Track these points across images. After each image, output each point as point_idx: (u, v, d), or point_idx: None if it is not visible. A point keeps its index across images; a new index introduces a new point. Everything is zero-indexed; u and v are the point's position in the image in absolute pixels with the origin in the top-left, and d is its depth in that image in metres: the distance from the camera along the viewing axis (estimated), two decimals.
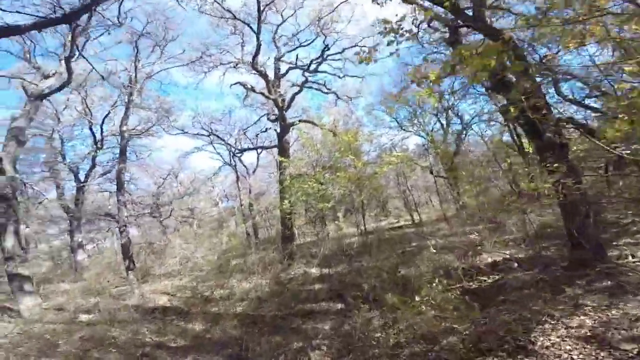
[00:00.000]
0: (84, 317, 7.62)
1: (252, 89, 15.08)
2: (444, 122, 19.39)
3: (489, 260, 8.40)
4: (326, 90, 17.27)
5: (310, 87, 17.06)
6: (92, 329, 6.50)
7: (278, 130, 14.96)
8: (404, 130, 19.18)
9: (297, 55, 15.54)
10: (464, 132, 19.12)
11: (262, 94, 14.77)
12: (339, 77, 17.14)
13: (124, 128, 11.87)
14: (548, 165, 4.91)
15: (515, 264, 7.12)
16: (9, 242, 8.45)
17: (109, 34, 10.28)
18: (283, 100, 14.69)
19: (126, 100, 12.12)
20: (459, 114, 19.11)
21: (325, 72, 16.96)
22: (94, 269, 13.75)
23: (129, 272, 9.71)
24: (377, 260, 10.85)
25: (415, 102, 18.68)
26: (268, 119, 17.65)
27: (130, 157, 18.66)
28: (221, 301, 8.12)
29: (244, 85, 14.63)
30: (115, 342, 5.77)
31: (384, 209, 21.20)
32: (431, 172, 19.74)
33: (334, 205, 12.30)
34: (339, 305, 7.03)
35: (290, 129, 14.66)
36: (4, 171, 8.74)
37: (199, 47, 13.91)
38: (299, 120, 15.09)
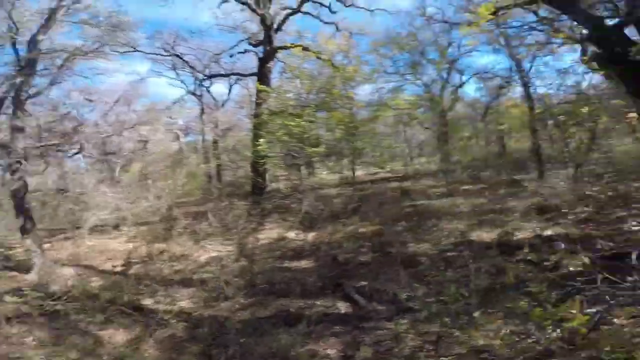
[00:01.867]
0: None
1: None
2: (445, 76, 17.17)
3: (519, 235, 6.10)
4: (326, 20, 14.21)
5: (308, 13, 13.88)
6: None
7: (260, 54, 11.63)
8: (402, 77, 16.29)
9: None
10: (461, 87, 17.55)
11: (245, 3, 10.96)
12: (344, 5, 13.82)
13: (40, 38, 7.81)
14: None
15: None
16: None
17: None
18: (272, 19, 11.12)
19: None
20: (460, 68, 17.12)
21: None
22: None
23: (26, 235, 6.60)
24: (372, 224, 8.56)
25: (419, 48, 15.98)
26: (250, 43, 13.88)
27: (75, 80, 14.20)
28: (160, 285, 5.43)
29: None
30: None
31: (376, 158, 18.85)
32: (421, 125, 17.76)
33: (324, 150, 9.60)
34: (342, 306, 4.42)
35: (276, 56, 11.24)
36: None
37: None
38: (291, 45, 11.40)
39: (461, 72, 17.18)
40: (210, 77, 16.48)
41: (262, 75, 11.20)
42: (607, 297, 2.40)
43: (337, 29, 14.17)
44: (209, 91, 17.92)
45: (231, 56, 15.70)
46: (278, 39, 12.67)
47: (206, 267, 6.21)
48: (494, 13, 8.13)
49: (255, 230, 8.77)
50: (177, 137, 24.15)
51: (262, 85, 10.10)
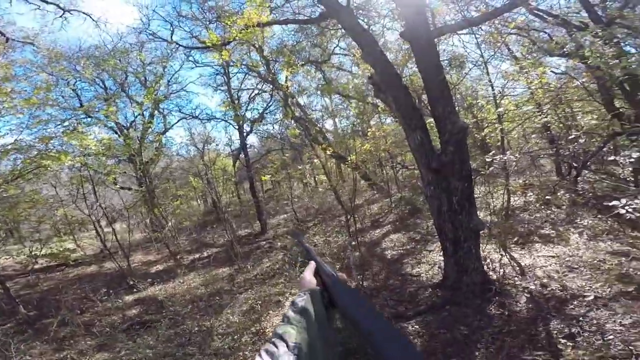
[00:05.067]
0: None
1: None
2: (147, 116, 13.52)
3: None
4: None
5: None
6: None
7: None
8: (87, 112, 11.27)
9: None
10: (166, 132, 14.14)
11: None
12: None
13: None
14: None
15: None
16: None
17: None
18: None
19: None
20: (165, 112, 14.07)
21: None
22: None
23: None
24: None
25: (120, 78, 11.98)
26: None
27: None
28: None
29: None
30: None
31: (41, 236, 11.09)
32: (115, 183, 12.05)
33: None
34: None
35: None
36: None
37: None
38: None
39: (168, 114, 14.09)
40: None
41: None
42: None
43: None
44: None
45: None
46: None
47: None
48: (224, 44, 6.89)
49: None
50: None
51: None
